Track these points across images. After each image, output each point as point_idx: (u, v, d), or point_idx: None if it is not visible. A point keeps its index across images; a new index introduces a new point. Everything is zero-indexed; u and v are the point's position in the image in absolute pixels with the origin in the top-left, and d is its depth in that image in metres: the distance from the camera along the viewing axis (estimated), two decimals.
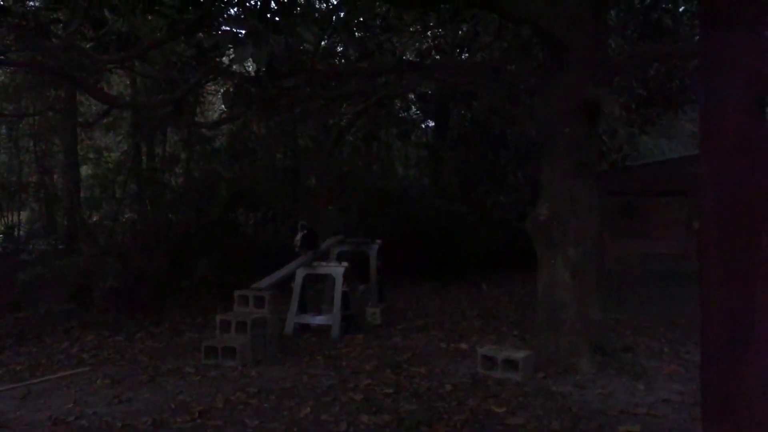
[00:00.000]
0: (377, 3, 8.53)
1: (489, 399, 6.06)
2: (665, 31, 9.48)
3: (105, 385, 6.80)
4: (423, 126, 18.22)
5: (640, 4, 9.73)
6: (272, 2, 6.43)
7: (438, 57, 10.85)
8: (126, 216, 14.03)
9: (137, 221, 13.51)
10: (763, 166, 2.36)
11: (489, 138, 14.87)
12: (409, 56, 12.74)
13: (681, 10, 9.96)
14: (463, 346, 8.29)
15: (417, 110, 16.22)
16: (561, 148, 7.25)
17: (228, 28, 5.98)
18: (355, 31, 8.97)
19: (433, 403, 5.98)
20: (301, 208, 14.41)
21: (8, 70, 13.07)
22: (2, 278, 10.56)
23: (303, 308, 9.54)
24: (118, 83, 15.99)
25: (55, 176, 16.77)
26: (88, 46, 7.31)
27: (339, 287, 9.29)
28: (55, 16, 7.23)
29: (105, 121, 14.54)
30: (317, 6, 10.37)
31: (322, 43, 9.44)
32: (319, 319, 9.40)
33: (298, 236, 9.81)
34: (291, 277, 9.47)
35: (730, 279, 2.34)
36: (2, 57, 7.65)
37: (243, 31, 5.49)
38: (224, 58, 9.99)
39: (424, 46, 11.69)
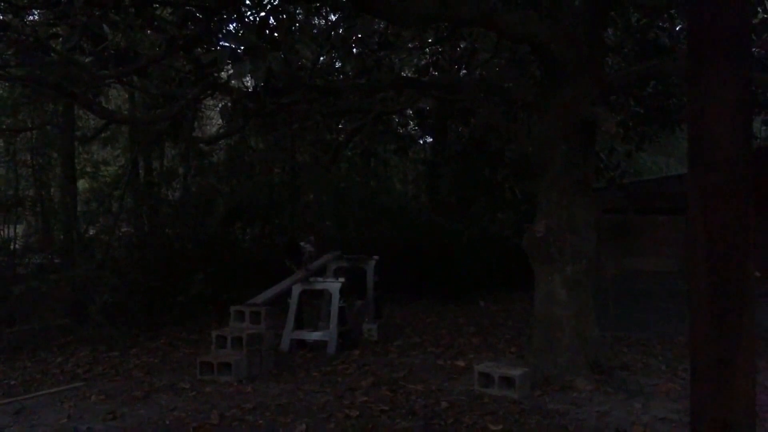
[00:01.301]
0: (375, 20, 8.62)
1: (485, 417, 6.06)
2: (662, 50, 9.57)
3: (99, 401, 6.79)
4: (421, 142, 18.29)
5: (637, 22, 9.83)
6: (271, 19, 6.51)
7: (436, 73, 10.92)
8: (123, 230, 14.03)
9: (134, 236, 13.51)
10: (750, 185, 2.40)
11: (486, 154, 14.93)
12: (407, 73, 12.84)
13: (677, 28, 10.06)
14: (460, 363, 8.28)
15: (415, 126, 16.29)
16: (558, 166, 7.31)
17: (226, 44, 6.03)
18: (354, 48, 9.04)
19: (430, 421, 5.98)
20: (298, 224, 14.46)
21: (6, 84, 13.12)
22: None
23: (299, 324, 9.54)
24: (116, 98, 16.06)
25: (52, 190, 16.78)
26: (86, 61, 7.36)
27: (335, 303, 9.30)
28: (54, 31, 7.29)
29: (103, 135, 14.58)
30: (315, 22, 10.46)
31: (321, 59, 9.52)
32: (315, 335, 9.40)
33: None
34: (288, 292, 9.48)
35: (718, 297, 2.38)
36: (1, 71, 7.69)
37: (241, 47, 5.54)
38: (222, 74, 10.05)
39: (422, 63, 11.77)
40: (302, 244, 9.89)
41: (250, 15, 7.31)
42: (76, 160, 15.02)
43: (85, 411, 6.44)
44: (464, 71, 11.56)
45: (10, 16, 6.70)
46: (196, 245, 13.26)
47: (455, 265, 13.96)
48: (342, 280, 9.58)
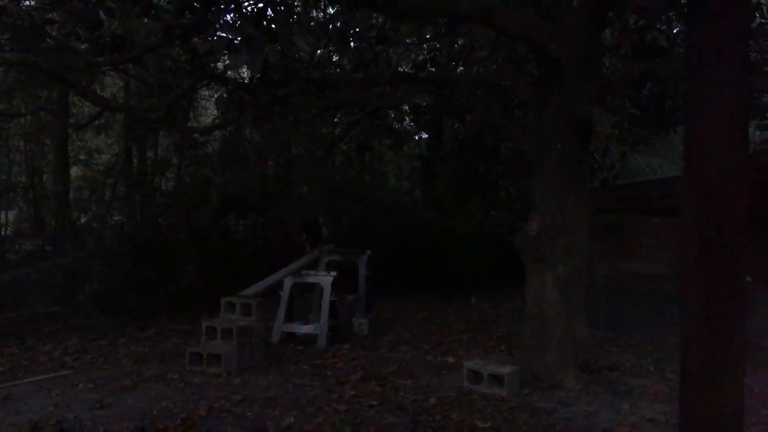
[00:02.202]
0: (374, 14, 8.58)
1: (474, 414, 6.07)
2: (659, 52, 9.57)
3: (87, 390, 6.77)
4: (417, 137, 18.29)
5: (635, 24, 9.83)
6: (269, 10, 6.47)
7: (433, 69, 10.89)
8: (115, 219, 13.99)
9: (126, 224, 13.47)
10: (745, 190, 2.40)
11: (482, 152, 14.94)
12: (404, 68, 12.79)
13: (675, 31, 10.06)
14: (450, 359, 8.30)
15: (411, 122, 16.29)
16: (553, 164, 7.30)
17: (223, 35, 6.00)
18: (351, 42, 9.01)
19: (418, 417, 5.99)
20: (293, 217, 14.44)
21: (1, 69, 13.05)
22: None
23: (290, 317, 9.53)
24: (111, 85, 15.99)
25: (45, 177, 16.72)
26: (82, 47, 7.31)
27: (327, 297, 9.29)
28: (50, 16, 7.23)
29: (97, 123, 14.53)
30: (314, 15, 10.42)
31: (318, 52, 9.47)
32: (305, 329, 9.39)
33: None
34: (279, 285, 9.48)
35: (709, 300, 2.38)
36: None
37: (238, 38, 5.50)
38: (219, 64, 10.01)
39: (420, 59, 11.73)
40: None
41: (248, 6, 7.27)
42: (69, 147, 14.98)
43: (72, 399, 6.42)
44: (461, 68, 11.52)
45: (6, 1, 6.64)
46: (189, 235, 13.22)
47: (448, 261, 13.96)
48: (334, 274, 9.58)
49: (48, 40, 7.08)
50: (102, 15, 6.40)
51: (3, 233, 13.31)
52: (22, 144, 15.95)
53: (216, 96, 11.55)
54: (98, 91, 12.70)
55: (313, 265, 10.17)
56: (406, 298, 13.30)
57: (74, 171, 16.64)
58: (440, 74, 10.41)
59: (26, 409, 6.06)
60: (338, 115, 13.90)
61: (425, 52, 11.79)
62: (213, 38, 6.53)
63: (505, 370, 6.80)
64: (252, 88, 8.41)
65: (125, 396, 6.55)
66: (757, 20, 8.56)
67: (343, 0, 7.75)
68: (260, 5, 6.73)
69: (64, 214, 13.30)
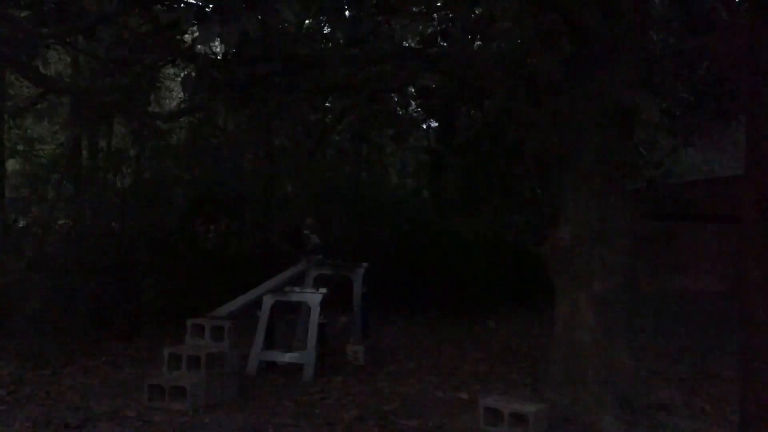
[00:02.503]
0: None
1: None
2: (719, 24, 9.58)
3: (25, 429, 6.77)
4: (424, 126, 18.30)
5: None
6: None
7: (445, 45, 10.91)
8: (60, 223, 14.01)
9: (73, 229, 13.49)
10: None
11: (502, 144, 14.95)
12: (410, 43, 12.83)
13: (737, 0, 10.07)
14: (463, 395, 8.31)
15: (417, 108, 16.31)
16: (589, 160, 7.32)
17: (192, 1, 6.02)
18: (346, 10, 9.03)
19: None
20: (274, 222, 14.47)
21: None
22: None
23: (270, 343, 9.53)
24: (56, 62, 16.02)
25: None
26: (21, 16, 7.35)
27: (315, 318, 9.30)
28: None
29: (38, 107, 14.55)
30: None
31: (306, 22, 9.51)
32: (289, 357, 9.40)
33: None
34: (258, 303, 9.47)
35: None
36: None
37: (210, 6, 5.52)
38: (186, 37, 10.03)
39: (429, 31, 11.77)
40: (306, 232, 10.05)
41: None
42: (5, 136, 15.00)
43: None
44: (479, 43, 11.56)
45: None
46: (149, 243, 13.23)
47: (460, 276, 13.98)
48: (323, 290, 9.58)
49: None
50: None
51: None
52: None
53: (183, 75, 11.58)
54: (41, 68, 12.73)
55: (298, 281, 10.17)
56: (410, 321, 13.32)
57: (11, 165, 16.67)
58: (453, 50, 10.44)
59: None
60: (330, 98, 13.92)
61: (435, 24, 11.83)
62: (179, 6, 6.55)
63: (530, 408, 6.79)
64: (226, 66, 8.43)
65: None
66: None
67: None
68: None
69: None
